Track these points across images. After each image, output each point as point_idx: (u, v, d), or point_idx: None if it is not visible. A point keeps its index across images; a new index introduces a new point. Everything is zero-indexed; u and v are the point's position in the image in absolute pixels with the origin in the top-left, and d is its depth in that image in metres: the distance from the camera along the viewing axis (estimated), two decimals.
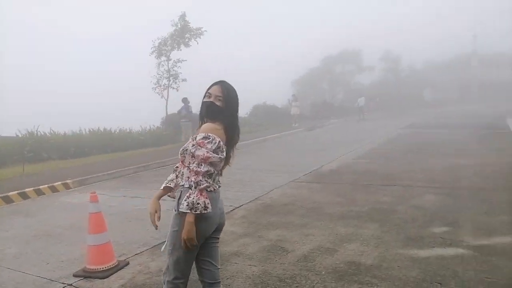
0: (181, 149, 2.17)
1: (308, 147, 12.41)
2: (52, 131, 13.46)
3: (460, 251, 3.50)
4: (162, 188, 2.26)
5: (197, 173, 2.02)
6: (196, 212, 2.00)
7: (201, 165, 2.03)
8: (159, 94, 14.84)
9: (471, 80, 40.49)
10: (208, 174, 2.05)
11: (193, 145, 2.08)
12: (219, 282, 2.33)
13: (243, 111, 20.93)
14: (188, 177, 2.07)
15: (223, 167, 2.22)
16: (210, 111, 2.18)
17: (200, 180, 2.02)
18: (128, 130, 14.65)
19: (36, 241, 4.65)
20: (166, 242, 2.22)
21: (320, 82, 40.97)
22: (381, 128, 17.52)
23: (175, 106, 14.97)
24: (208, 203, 2.04)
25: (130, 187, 7.63)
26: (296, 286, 3.05)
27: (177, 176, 2.25)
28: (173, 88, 14.81)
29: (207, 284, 2.29)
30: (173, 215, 2.16)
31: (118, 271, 3.58)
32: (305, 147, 12.65)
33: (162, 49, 14.50)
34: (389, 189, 6.04)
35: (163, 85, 14.74)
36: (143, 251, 4.08)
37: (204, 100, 2.19)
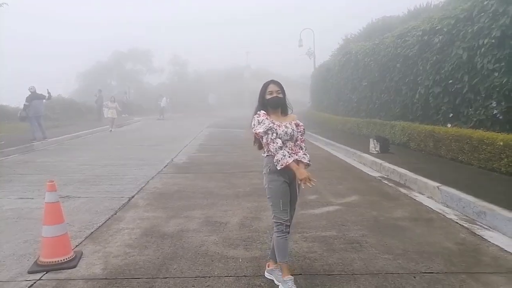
0: (288, 136, 2.97)
1: (139, 143, 12.57)
2: None
3: (336, 207, 5.17)
4: (292, 160, 2.92)
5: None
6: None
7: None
8: None
9: (244, 89, 47.69)
10: None
11: (303, 131, 3.08)
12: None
13: None
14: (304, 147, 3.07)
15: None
16: (281, 103, 3.03)
17: None
18: None
19: None
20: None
21: (108, 78, 39.37)
22: (189, 127, 19.05)
23: None
24: None
25: None
26: (260, 241, 3.94)
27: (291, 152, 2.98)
28: None
29: None
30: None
31: (81, 260, 3.51)
32: (134, 142, 12.73)
33: None
34: (251, 174, 7.41)
35: None
36: (82, 242, 3.98)
37: (270, 97, 2.99)
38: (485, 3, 7.84)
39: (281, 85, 3.03)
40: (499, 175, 6.36)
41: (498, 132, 7.08)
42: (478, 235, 4.07)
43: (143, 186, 6.45)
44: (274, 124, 2.91)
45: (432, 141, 8.80)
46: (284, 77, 50.77)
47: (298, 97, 41.04)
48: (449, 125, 9.08)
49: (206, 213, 4.94)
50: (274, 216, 3.03)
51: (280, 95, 2.99)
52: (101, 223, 4.57)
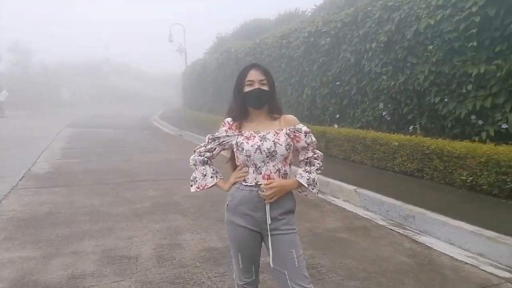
0: (264, 153, 1.90)
1: None
2: None
3: None
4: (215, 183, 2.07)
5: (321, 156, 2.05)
6: (314, 190, 2.01)
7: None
8: None
9: (103, 84, 43.40)
10: None
11: (307, 141, 1.99)
12: None
13: None
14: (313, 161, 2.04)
15: None
16: (266, 99, 1.96)
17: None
18: None
19: None
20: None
21: None
22: (43, 127, 15.92)
23: None
24: None
25: None
26: (195, 282, 2.94)
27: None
28: None
29: None
30: (288, 218, 1.95)
31: None
32: None
33: None
34: (143, 184, 6.14)
35: None
36: None
37: (249, 89, 1.93)
38: (369, 9, 8.24)
39: (267, 71, 1.97)
40: (395, 174, 6.60)
41: (385, 132, 7.46)
42: (420, 242, 3.88)
43: None
44: (241, 135, 1.95)
45: (324, 141, 8.89)
46: (147, 73, 48.22)
47: (165, 95, 39.32)
48: (335, 126, 9.36)
49: (102, 244, 3.65)
50: (234, 272, 2.08)
51: (265, 87, 1.94)
52: None
